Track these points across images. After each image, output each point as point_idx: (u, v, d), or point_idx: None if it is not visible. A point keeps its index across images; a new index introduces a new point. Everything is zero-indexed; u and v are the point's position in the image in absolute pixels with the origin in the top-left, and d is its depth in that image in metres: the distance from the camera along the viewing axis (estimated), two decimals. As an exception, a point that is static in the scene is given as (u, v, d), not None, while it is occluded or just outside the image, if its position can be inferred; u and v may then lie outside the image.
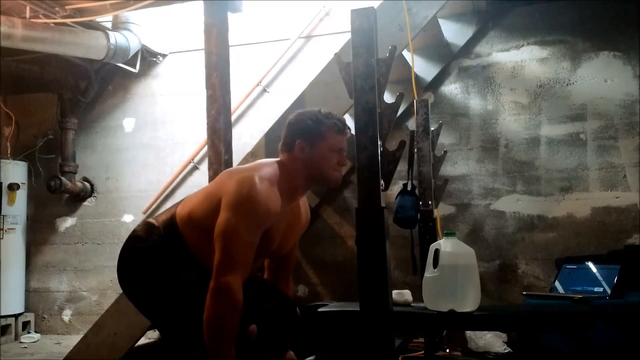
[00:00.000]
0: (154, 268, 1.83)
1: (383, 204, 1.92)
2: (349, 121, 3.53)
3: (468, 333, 3.38)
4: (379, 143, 1.92)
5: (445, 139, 4.06)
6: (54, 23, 4.12)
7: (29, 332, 4.85)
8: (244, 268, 1.70)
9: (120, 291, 4.32)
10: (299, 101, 3.48)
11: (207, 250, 1.75)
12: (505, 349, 3.37)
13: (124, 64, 4.69)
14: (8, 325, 4.65)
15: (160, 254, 1.84)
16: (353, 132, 2.00)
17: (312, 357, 2.23)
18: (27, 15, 4.04)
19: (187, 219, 1.85)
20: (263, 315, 1.88)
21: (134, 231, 1.92)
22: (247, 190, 1.72)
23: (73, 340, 3.95)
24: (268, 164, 1.85)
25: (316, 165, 1.86)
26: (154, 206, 4.72)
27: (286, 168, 1.87)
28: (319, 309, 2.24)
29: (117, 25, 4.52)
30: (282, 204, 1.81)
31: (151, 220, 1.93)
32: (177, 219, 1.87)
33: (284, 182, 1.83)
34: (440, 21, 3.98)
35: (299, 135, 1.87)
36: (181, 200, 1.96)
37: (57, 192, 4.79)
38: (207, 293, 1.67)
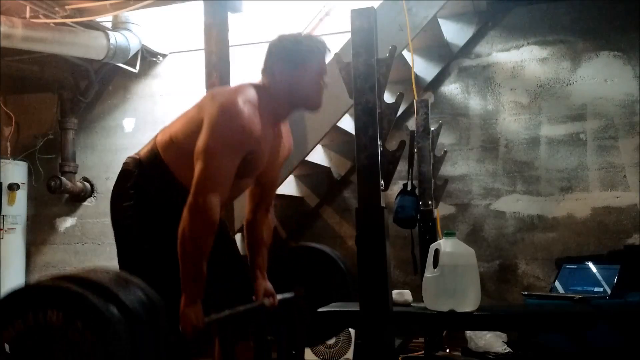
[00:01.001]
0: (140, 197, 1.86)
1: (383, 204, 1.91)
2: (349, 121, 3.53)
3: (468, 333, 3.38)
4: (379, 143, 1.92)
5: (445, 139, 4.06)
6: (54, 23, 4.12)
7: (29, 332, 4.84)
8: (223, 188, 1.71)
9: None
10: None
11: (190, 173, 1.75)
12: (505, 349, 3.38)
13: (124, 64, 4.69)
14: (8, 325, 4.65)
15: (145, 184, 1.86)
16: (353, 132, 2.00)
17: (290, 293, 2.23)
18: (27, 15, 4.04)
19: (169, 144, 1.86)
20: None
21: (122, 167, 1.94)
22: (229, 111, 1.72)
23: (73, 340, 3.94)
24: (250, 87, 1.84)
25: (297, 88, 1.86)
26: (154, 206, 4.71)
27: (268, 91, 1.86)
28: (319, 309, 2.24)
29: (117, 25, 4.52)
30: (263, 128, 1.80)
31: (134, 154, 1.95)
32: (159, 147, 1.88)
33: (265, 105, 1.83)
34: (440, 21, 3.98)
35: (279, 58, 1.87)
36: (161, 130, 1.97)
37: (57, 192, 4.79)
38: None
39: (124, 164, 1.95)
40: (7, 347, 1.29)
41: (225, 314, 1.82)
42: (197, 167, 1.70)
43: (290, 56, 1.86)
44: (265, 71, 1.90)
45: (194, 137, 1.75)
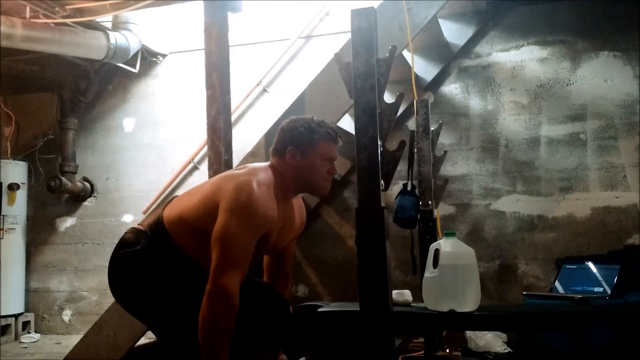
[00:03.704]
0: (146, 270, 1.83)
1: (383, 204, 1.91)
2: (349, 121, 3.53)
3: (468, 333, 3.37)
4: (379, 143, 1.92)
5: (445, 139, 4.06)
6: (54, 23, 4.12)
7: (29, 332, 4.85)
8: (241, 272, 1.72)
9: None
10: (299, 101, 3.48)
11: (199, 251, 1.77)
12: (505, 349, 3.37)
13: (124, 64, 4.69)
14: (8, 325, 4.66)
15: (151, 255, 1.85)
16: (353, 132, 2.00)
17: (302, 359, 2.23)
18: (27, 15, 4.04)
19: (178, 221, 1.86)
20: (256, 317, 1.88)
21: (123, 237, 1.93)
22: (246, 195, 1.74)
23: (73, 340, 3.95)
24: (262, 169, 1.88)
25: (306, 174, 1.91)
26: (154, 206, 4.72)
27: (278, 173, 1.90)
28: (319, 309, 2.24)
29: (117, 25, 4.52)
30: (277, 207, 1.83)
31: (137, 225, 1.95)
32: (165, 221, 1.87)
33: (277, 187, 1.86)
34: (440, 21, 3.98)
35: (290, 142, 1.90)
36: (167, 203, 1.97)
37: (57, 192, 4.79)
38: (203, 292, 1.68)
39: (124, 233, 1.94)
40: None
41: None
42: (215, 253, 1.70)
43: (302, 140, 1.89)
44: (275, 152, 1.94)
45: (206, 217, 1.76)
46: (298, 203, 2.08)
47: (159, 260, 1.84)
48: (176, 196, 2.01)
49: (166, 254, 1.84)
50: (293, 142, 1.90)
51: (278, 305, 2.02)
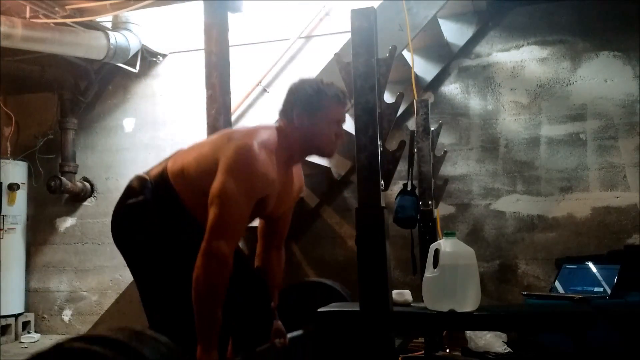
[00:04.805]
0: (147, 222, 1.84)
1: (383, 204, 1.91)
2: (349, 121, 3.54)
3: (468, 333, 3.38)
4: (379, 143, 1.92)
5: (445, 139, 4.06)
6: (54, 23, 4.12)
7: (29, 332, 4.85)
8: (237, 233, 1.71)
9: (120, 291, 4.34)
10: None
11: (198, 205, 1.76)
12: (505, 349, 3.37)
13: (124, 64, 4.69)
14: (8, 325, 4.65)
15: (153, 208, 1.85)
16: (353, 132, 2.00)
17: (299, 331, 2.23)
18: (27, 15, 4.04)
19: (180, 175, 1.86)
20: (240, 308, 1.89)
21: (129, 185, 1.92)
22: (246, 157, 1.72)
23: (73, 340, 3.94)
24: (266, 129, 1.84)
25: (313, 135, 1.87)
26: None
27: (284, 135, 1.87)
28: (318, 310, 2.24)
29: (117, 25, 4.52)
30: (278, 170, 1.81)
31: (142, 174, 1.93)
32: (169, 173, 1.87)
33: (281, 150, 1.83)
34: (440, 21, 3.97)
35: (298, 103, 1.87)
36: (172, 155, 1.97)
37: (57, 192, 4.79)
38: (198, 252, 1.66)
39: (130, 181, 1.93)
40: None
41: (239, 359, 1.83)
42: (212, 212, 1.69)
43: (310, 102, 1.86)
44: (282, 114, 1.91)
45: (206, 175, 1.75)
46: (297, 169, 2.07)
47: (159, 215, 1.84)
48: (181, 149, 2.00)
49: (167, 206, 1.84)
50: (301, 103, 1.87)
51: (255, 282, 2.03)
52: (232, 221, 1.69)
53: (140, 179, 1.91)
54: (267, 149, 1.76)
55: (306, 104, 1.86)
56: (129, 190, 1.90)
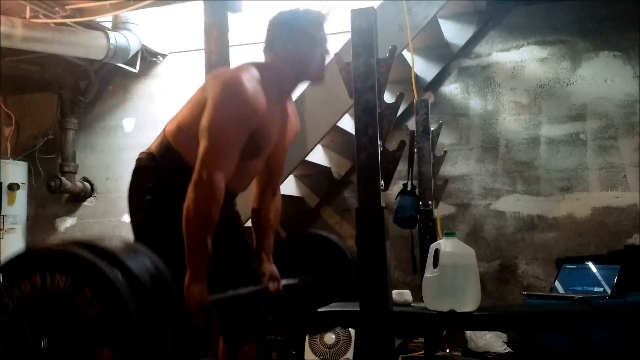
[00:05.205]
0: (154, 184, 1.86)
1: (383, 204, 1.91)
2: (349, 121, 3.52)
3: (468, 333, 3.38)
4: (379, 143, 1.92)
5: (445, 139, 4.06)
6: (54, 23, 4.12)
7: (29, 332, 4.84)
8: (227, 164, 1.71)
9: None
10: (299, 101, 3.47)
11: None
12: (505, 349, 3.38)
13: (124, 64, 4.69)
14: (8, 325, 4.65)
15: (161, 176, 1.87)
16: (353, 132, 2.00)
17: (294, 280, 2.23)
18: (27, 15, 4.04)
19: (178, 131, 1.87)
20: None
21: (137, 161, 1.94)
22: (233, 88, 1.73)
23: (73, 340, 3.94)
24: (252, 65, 1.85)
25: (301, 61, 1.89)
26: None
27: (271, 67, 1.88)
28: (319, 309, 2.24)
29: (117, 25, 4.52)
30: (269, 105, 1.81)
31: (145, 150, 1.96)
32: (168, 137, 1.89)
33: (269, 82, 1.84)
34: (440, 21, 3.97)
35: (281, 33, 1.89)
36: (169, 121, 1.99)
37: (57, 192, 4.79)
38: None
39: (138, 159, 1.95)
40: (11, 304, 1.27)
41: (229, 294, 1.81)
42: (201, 144, 1.69)
43: (291, 30, 1.89)
44: (267, 48, 1.93)
45: (200, 117, 1.75)
46: (292, 109, 2.07)
47: (166, 180, 1.86)
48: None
49: (172, 169, 1.86)
50: (283, 33, 1.89)
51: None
52: (222, 152, 1.69)
53: (144, 154, 1.94)
54: (254, 80, 1.77)
55: (288, 32, 1.89)
56: (137, 167, 1.94)
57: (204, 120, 1.71)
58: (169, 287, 1.35)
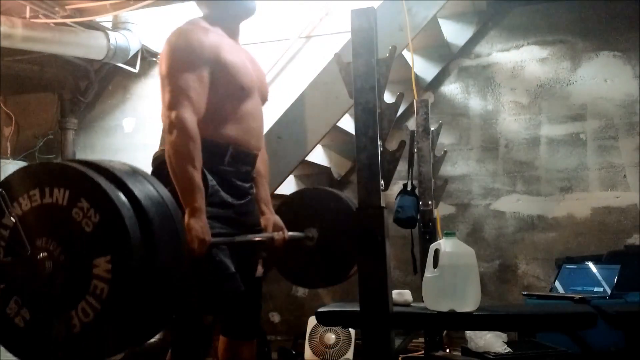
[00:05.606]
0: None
1: (383, 204, 1.91)
2: (349, 121, 3.52)
3: (468, 333, 3.37)
4: (379, 143, 1.92)
5: (445, 139, 4.06)
6: (54, 23, 4.11)
7: (29, 332, 4.84)
8: (193, 102, 1.73)
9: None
10: (299, 101, 3.48)
11: (208, 123, 1.79)
12: (505, 349, 3.37)
13: (124, 64, 4.69)
14: (8, 325, 4.65)
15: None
16: (353, 132, 2.00)
17: (300, 233, 2.24)
18: (27, 15, 4.03)
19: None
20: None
21: (155, 157, 1.93)
22: (176, 37, 1.79)
23: (73, 340, 3.94)
24: (190, 20, 1.91)
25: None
26: (154, 206, 4.71)
27: (209, 14, 1.93)
28: (318, 309, 2.24)
29: (117, 25, 4.52)
30: (221, 38, 1.85)
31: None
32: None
33: (214, 24, 1.88)
34: (440, 21, 3.97)
35: None
36: None
37: (57, 192, 4.79)
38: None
39: (156, 156, 1.93)
40: (13, 219, 1.28)
41: (234, 239, 1.81)
42: (163, 93, 1.74)
43: None
44: (199, 3, 1.98)
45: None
46: (253, 61, 2.06)
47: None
48: None
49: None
50: None
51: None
52: (185, 91, 1.72)
53: (156, 152, 1.94)
54: (196, 25, 1.84)
55: None
56: (154, 161, 1.93)
57: (161, 73, 1.76)
58: (169, 214, 1.35)
